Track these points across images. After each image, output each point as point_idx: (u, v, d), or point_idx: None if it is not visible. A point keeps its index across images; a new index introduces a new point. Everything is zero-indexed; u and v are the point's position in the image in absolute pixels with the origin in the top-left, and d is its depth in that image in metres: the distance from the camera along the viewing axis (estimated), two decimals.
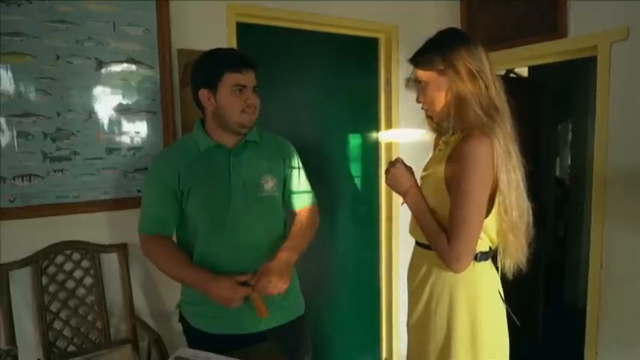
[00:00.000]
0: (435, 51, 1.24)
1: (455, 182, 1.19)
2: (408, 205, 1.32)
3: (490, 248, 1.28)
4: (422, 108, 1.32)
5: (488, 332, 1.26)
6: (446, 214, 1.22)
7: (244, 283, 1.32)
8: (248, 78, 1.37)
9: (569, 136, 4.28)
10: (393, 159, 1.38)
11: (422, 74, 1.27)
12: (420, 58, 1.27)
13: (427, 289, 1.30)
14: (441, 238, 1.21)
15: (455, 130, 1.25)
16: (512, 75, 2.93)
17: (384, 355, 2.79)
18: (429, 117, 1.33)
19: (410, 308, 1.40)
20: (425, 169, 1.36)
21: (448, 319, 1.26)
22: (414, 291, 1.37)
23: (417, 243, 1.38)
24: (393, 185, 1.35)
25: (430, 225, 1.25)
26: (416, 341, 1.37)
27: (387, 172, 1.36)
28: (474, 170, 1.15)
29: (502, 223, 1.22)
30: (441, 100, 1.25)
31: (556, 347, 2.93)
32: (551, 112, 3.37)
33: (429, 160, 1.39)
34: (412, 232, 1.39)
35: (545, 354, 2.89)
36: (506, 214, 1.20)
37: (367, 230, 2.71)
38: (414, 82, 1.31)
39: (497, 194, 1.19)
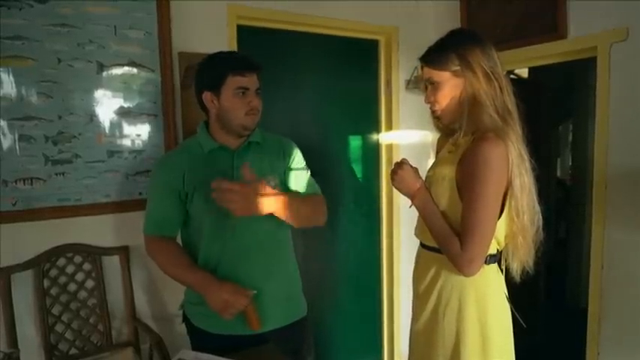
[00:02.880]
0: (449, 50, 1.21)
1: (469, 185, 1.17)
2: (417, 207, 1.28)
3: (497, 251, 1.28)
4: (431, 108, 1.29)
5: (497, 335, 1.25)
6: (456, 216, 1.21)
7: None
8: (251, 81, 1.38)
9: (570, 137, 4.28)
10: (398, 160, 1.33)
11: (435, 74, 1.23)
12: (434, 57, 1.23)
13: (435, 293, 1.28)
14: (452, 241, 1.18)
15: (465, 132, 1.22)
16: (512, 76, 2.93)
17: (385, 356, 2.79)
18: (437, 117, 1.30)
19: (415, 313, 1.37)
20: (431, 171, 1.34)
21: (457, 324, 1.24)
22: (420, 295, 1.33)
23: (424, 246, 1.35)
24: (400, 187, 1.29)
25: (441, 227, 1.22)
26: (422, 346, 1.33)
27: (393, 173, 1.31)
28: (489, 173, 1.14)
29: (513, 226, 1.21)
30: (453, 101, 1.22)
31: (558, 348, 2.93)
32: (551, 113, 3.37)
33: (436, 161, 1.37)
34: (419, 234, 1.37)
35: (547, 355, 2.89)
36: (518, 218, 1.20)
37: (368, 231, 2.71)
38: (425, 82, 1.27)
39: (510, 198, 1.18)
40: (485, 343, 1.23)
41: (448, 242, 1.20)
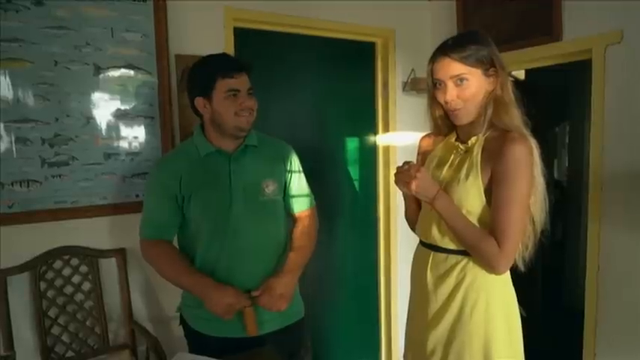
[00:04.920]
0: (483, 48, 1.19)
1: (503, 185, 1.16)
2: (439, 210, 1.21)
3: None
4: (451, 107, 1.22)
5: (518, 327, 1.27)
6: (483, 217, 1.20)
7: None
8: (241, 82, 1.38)
9: (567, 138, 4.29)
10: (401, 163, 1.25)
11: (468, 70, 1.18)
12: (469, 53, 1.18)
13: (460, 295, 1.24)
14: (489, 241, 1.17)
15: (476, 132, 1.23)
16: (510, 78, 2.94)
17: (383, 357, 2.79)
18: (453, 117, 1.25)
19: (434, 318, 1.29)
20: (438, 172, 1.30)
21: (485, 323, 1.22)
22: (442, 300, 1.27)
23: (437, 248, 1.29)
24: (420, 192, 1.20)
25: (472, 229, 1.20)
26: (443, 352, 1.27)
27: (410, 176, 1.20)
28: (524, 172, 1.16)
29: (525, 217, 1.23)
30: (479, 98, 1.21)
31: (555, 349, 2.93)
32: (548, 114, 3.39)
33: (440, 162, 1.32)
34: (434, 237, 1.29)
35: (544, 356, 2.89)
36: (534, 209, 1.23)
37: (365, 233, 2.71)
38: (450, 78, 1.20)
39: (532, 193, 1.21)
40: (511, 336, 1.24)
41: (483, 242, 1.18)
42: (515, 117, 1.21)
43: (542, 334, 3.11)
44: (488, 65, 1.20)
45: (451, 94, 1.21)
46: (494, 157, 1.18)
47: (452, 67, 1.19)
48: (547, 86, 3.23)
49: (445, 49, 1.21)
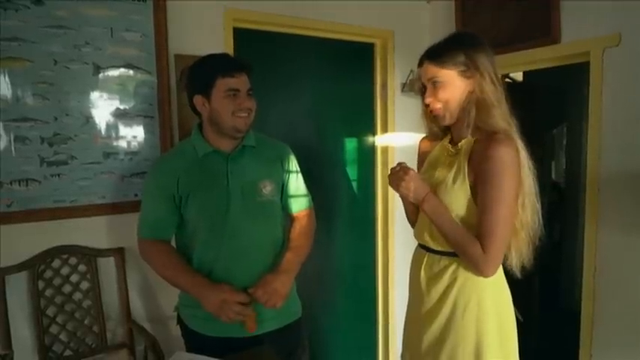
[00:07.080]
0: (458, 50, 1.21)
1: (487, 186, 1.17)
2: (427, 212, 1.24)
3: None
4: (430, 109, 1.25)
5: (511, 329, 1.28)
6: (470, 219, 1.21)
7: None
8: (241, 82, 1.38)
9: (565, 140, 4.31)
10: (395, 164, 1.29)
11: (441, 73, 1.21)
12: (441, 56, 1.21)
13: (452, 296, 1.25)
14: (473, 244, 1.18)
15: (466, 134, 1.24)
16: (507, 80, 2.95)
17: (380, 357, 2.80)
18: (435, 118, 1.28)
19: (427, 319, 1.30)
20: (426, 174, 1.32)
21: (477, 323, 1.23)
22: (434, 301, 1.28)
23: (431, 250, 1.31)
24: (408, 193, 1.24)
25: (458, 231, 1.21)
26: (437, 353, 1.28)
27: (399, 179, 1.24)
28: (509, 173, 1.16)
29: (516, 223, 1.23)
30: (457, 101, 1.22)
31: (551, 350, 2.95)
32: (546, 116, 3.40)
33: (432, 164, 1.34)
34: (426, 239, 1.32)
35: (540, 357, 2.91)
36: (524, 214, 1.23)
37: (363, 233, 2.72)
38: (426, 82, 1.24)
39: (520, 196, 1.21)
40: (502, 337, 1.25)
41: (468, 245, 1.19)
42: (499, 118, 1.21)
43: (539, 334, 3.12)
44: (465, 67, 1.21)
45: (428, 96, 1.25)
46: (480, 159, 1.19)
47: (427, 70, 1.24)
48: (545, 87, 3.24)
49: (423, 54, 1.26)
